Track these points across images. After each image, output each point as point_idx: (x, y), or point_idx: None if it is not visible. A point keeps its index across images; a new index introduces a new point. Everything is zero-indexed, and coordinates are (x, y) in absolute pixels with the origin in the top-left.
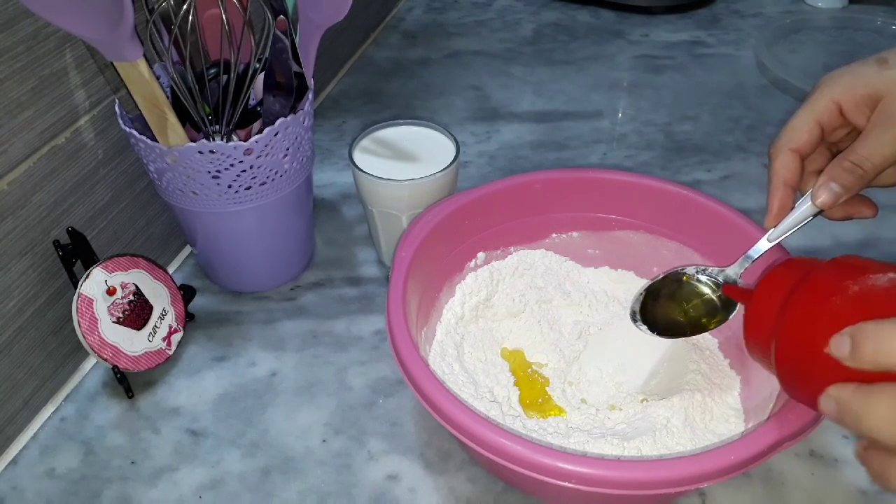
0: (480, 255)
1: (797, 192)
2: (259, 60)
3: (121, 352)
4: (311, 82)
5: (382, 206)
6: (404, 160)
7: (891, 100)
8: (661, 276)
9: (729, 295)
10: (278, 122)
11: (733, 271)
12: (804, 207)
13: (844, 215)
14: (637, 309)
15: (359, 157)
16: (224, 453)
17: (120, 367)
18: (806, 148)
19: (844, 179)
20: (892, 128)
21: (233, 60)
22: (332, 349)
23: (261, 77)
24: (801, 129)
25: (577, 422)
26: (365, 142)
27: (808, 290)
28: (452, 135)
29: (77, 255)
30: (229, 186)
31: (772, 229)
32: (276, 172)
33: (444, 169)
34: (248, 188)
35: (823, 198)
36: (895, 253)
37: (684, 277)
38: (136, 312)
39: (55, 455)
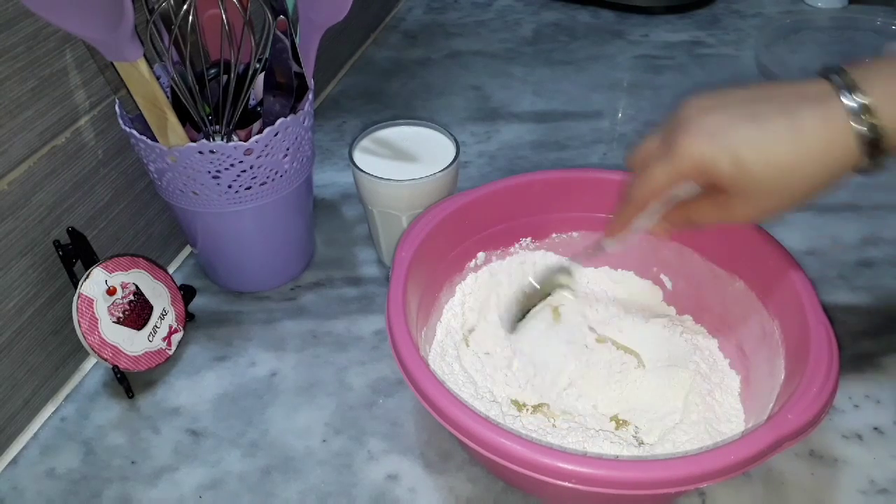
0: (480, 255)
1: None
2: (259, 60)
3: (121, 352)
4: (311, 82)
5: (382, 206)
6: (404, 160)
7: (736, 202)
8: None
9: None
10: (278, 122)
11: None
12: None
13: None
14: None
15: (359, 157)
16: (224, 453)
17: (120, 367)
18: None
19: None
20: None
21: (233, 60)
22: (332, 349)
23: (261, 77)
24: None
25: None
26: (365, 142)
27: None
28: (452, 135)
29: (77, 255)
30: (229, 186)
31: (611, 241)
32: (277, 172)
33: (444, 169)
34: (249, 188)
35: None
36: (895, 253)
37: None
38: (137, 312)
39: (55, 455)
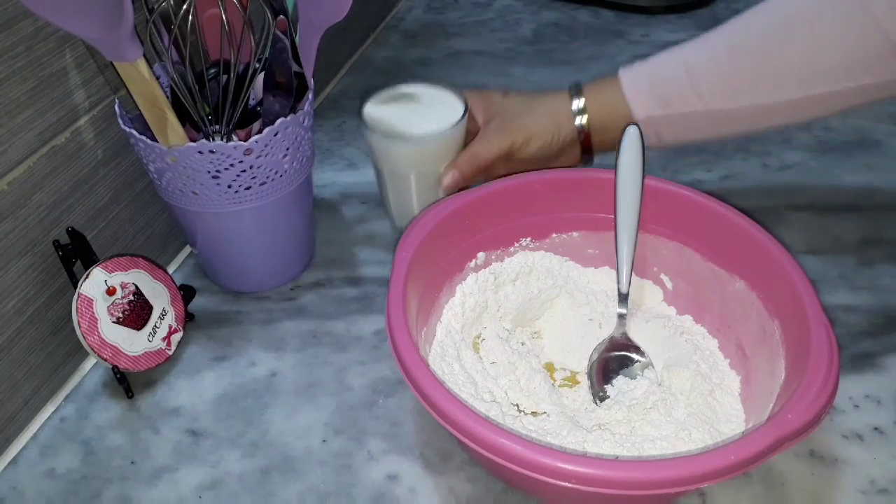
0: (480, 255)
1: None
2: (259, 60)
3: (121, 352)
4: (311, 82)
5: (392, 165)
6: (413, 119)
7: (503, 116)
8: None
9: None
10: (278, 122)
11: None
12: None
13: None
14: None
15: (369, 117)
16: (224, 453)
17: (120, 367)
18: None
19: (465, 167)
20: (501, 133)
21: (233, 60)
22: (332, 349)
23: (261, 77)
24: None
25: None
26: (375, 103)
27: None
28: (462, 93)
29: (77, 255)
30: (229, 186)
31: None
32: (276, 172)
33: (451, 126)
34: (248, 188)
35: (447, 182)
36: (895, 253)
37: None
38: (136, 312)
39: (55, 455)
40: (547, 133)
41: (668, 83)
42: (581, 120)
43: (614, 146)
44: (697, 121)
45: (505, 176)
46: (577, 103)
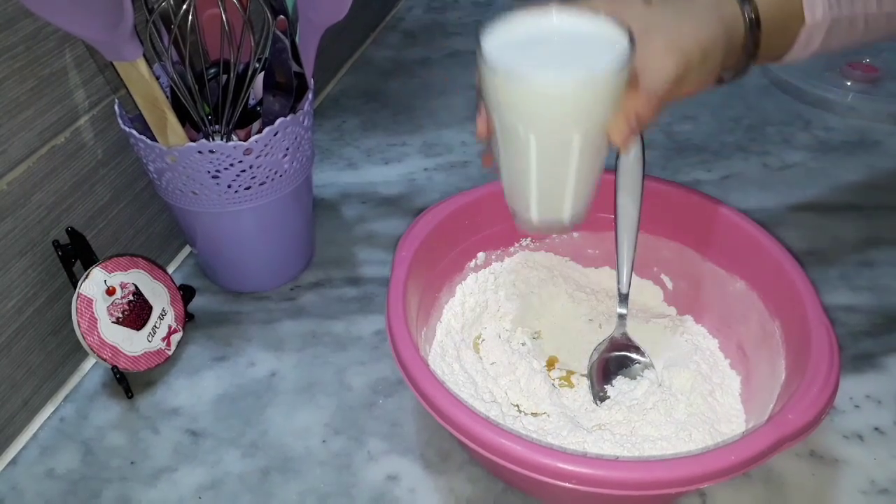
0: (480, 255)
1: None
2: (259, 60)
3: (120, 352)
4: (310, 82)
5: (543, 126)
6: (567, 55)
7: (661, 30)
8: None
9: None
10: (278, 121)
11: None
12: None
13: None
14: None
15: (499, 54)
16: (224, 453)
17: (119, 367)
18: None
19: (645, 113)
20: (670, 54)
21: (233, 60)
22: (332, 349)
23: (261, 77)
24: None
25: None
26: (498, 36)
27: None
28: (604, 15)
29: (76, 255)
30: (229, 186)
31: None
32: (276, 172)
33: (626, 58)
34: (248, 188)
35: (622, 138)
36: (895, 253)
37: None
38: (136, 312)
39: (55, 455)
40: (720, 41)
41: None
42: (750, 15)
43: (780, 54)
44: (872, 22)
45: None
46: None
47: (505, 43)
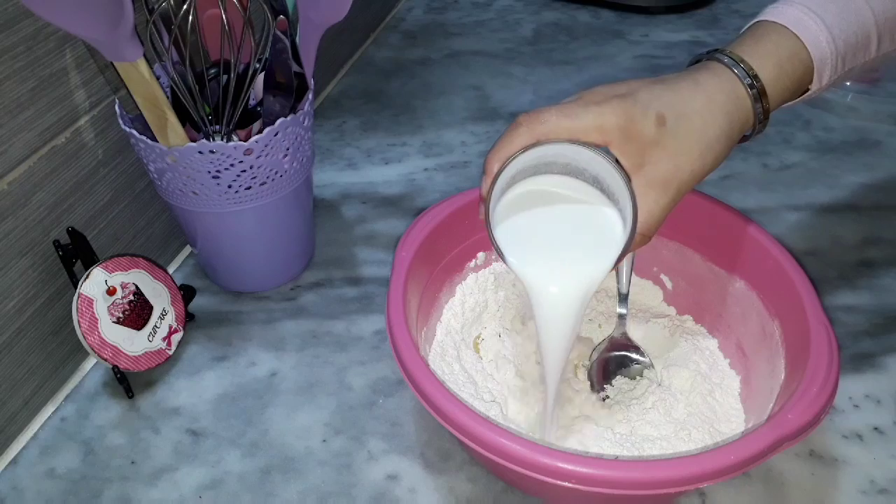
0: (480, 255)
1: None
2: (259, 60)
3: (121, 352)
4: (311, 82)
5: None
6: (564, 239)
7: (661, 165)
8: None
9: None
10: (278, 122)
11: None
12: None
13: None
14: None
15: (517, 254)
16: (224, 453)
17: (120, 367)
18: None
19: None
20: (669, 193)
21: (233, 60)
22: (332, 349)
23: (261, 77)
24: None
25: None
26: (504, 220)
27: None
28: (604, 153)
29: (77, 255)
30: (229, 186)
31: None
32: (276, 172)
33: (624, 240)
34: (249, 188)
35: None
36: (895, 253)
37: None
38: (136, 312)
39: (55, 455)
40: (728, 139)
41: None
42: (760, 116)
43: (789, 98)
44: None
45: None
46: (747, 79)
47: (516, 230)
